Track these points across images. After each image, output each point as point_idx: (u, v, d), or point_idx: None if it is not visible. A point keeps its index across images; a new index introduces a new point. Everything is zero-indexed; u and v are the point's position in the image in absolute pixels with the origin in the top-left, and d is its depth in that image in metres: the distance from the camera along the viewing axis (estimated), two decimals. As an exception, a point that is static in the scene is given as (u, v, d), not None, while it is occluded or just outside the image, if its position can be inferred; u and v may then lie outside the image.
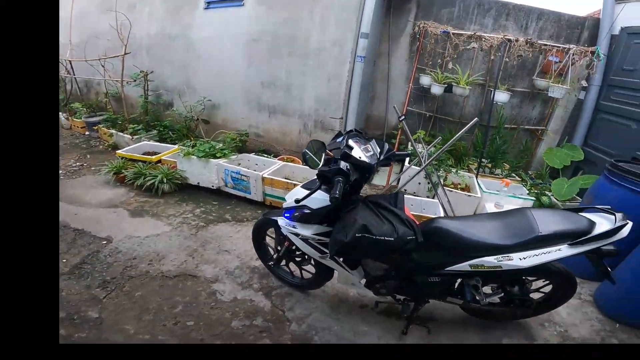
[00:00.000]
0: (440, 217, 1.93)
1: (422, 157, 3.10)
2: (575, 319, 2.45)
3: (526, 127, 4.41)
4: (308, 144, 1.80)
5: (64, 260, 2.64)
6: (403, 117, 2.97)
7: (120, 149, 4.26)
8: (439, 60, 4.25)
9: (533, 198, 3.43)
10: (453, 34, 4.07)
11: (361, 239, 1.59)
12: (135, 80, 4.75)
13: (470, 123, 2.84)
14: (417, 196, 3.56)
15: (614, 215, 1.61)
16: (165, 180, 3.68)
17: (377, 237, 1.59)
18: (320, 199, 1.74)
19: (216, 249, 2.99)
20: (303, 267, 2.44)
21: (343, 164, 1.58)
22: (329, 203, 1.62)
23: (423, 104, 4.66)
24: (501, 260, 1.65)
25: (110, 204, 3.60)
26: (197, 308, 2.32)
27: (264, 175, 3.50)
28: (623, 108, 3.54)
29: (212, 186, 3.79)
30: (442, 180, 3.47)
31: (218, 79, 4.73)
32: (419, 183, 3.73)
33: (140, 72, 4.75)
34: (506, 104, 4.08)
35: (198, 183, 3.86)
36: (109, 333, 2.03)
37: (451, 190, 3.38)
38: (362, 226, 1.59)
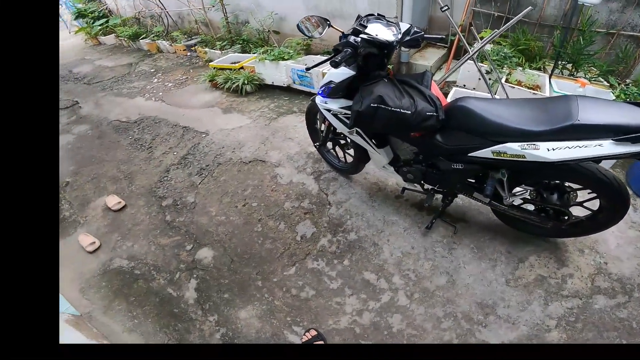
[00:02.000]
0: (468, 97, 1.68)
1: (472, 49, 2.77)
2: (624, 252, 2.02)
3: (630, 33, 3.28)
4: (304, 18, 1.89)
5: (175, 153, 3.41)
6: (446, 7, 2.58)
7: (212, 62, 4.94)
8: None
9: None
10: None
11: (377, 110, 1.64)
12: (214, 6, 5.32)
13: (524, 11, 2.55)
14: (476, 91, 3.26)
15: None
16: (247, 82, 4.24)
17: (394, 108, 1.61)
18: (341, 72, 1.83)
19: (283, 137, 3.36)
20: (347, 150, 2.58)
21: (352, 38, 1.63)
22: (348, 75, 1.79)
23: (492, 3, 3.78)
24: (525, 149, 1.44)
25: (208, 105, 4.26)
26: (262, 190, 2.78)
27: (322, 71, 3.67)
28: None
29: (284, 84, 4.17)
30: (504, 77, 3.12)
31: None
32: (479, 79, 3.29)
33: (216, -2, 5.28)
34: (602, 7, 3.16)
35: (272, 82, 4.29)
36: (199, 216, 2.65)
37: (514, 87, 3.01)
38: (377, 97, 1.63)
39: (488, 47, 3.13)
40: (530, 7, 2.62)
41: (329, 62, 1.61)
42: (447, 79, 3.26)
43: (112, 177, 3.26)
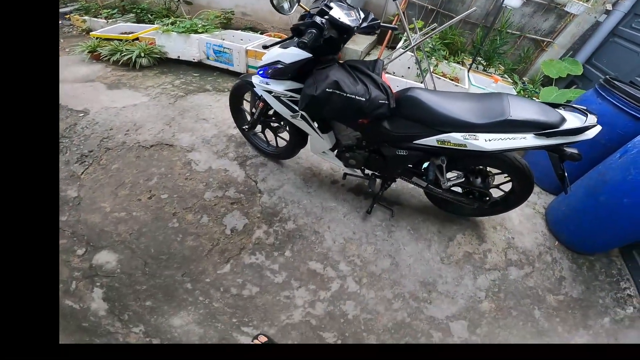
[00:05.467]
0: (417, 87, 1.74)
1: (413, 40, 2.91)
2: (524, 228, 2.42)
3: (533, 36, 4.09)
4: None
5: (42, 134, 2.62)
6: None
7: (94, 32, 4.09)
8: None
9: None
10: None
11: (331, 95, 1.58)
12: None
13: (468, 11, 2.81)
14: (405, 79, 3.48)
15: (587, 116, 1.52)
16: (143, 54, 3.59)
17: (349, 95, 1.57)
18: (294, 53, 1.67)
19: (194, 118, 2.91)
20: (279, 134, 2.38)
21: (319, 19, 1.53)
22: (302, 57, 1.64)
23: (426, -4, 4.19)
24: (467, 139, 1.58)
25: (87, 79, 3.42)
26: (172, 179, 2.32)
27: (247, 48, 3.38)
28: (640, 36, 3.19)
29: (193, 59, 3.72)
30: (432, 68, 3.41)
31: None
32: (409, 68, 3.63)
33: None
34: (517, 10, 3.75)
35: (178, 57, 3.78)
36: (87, 213, 2.06)
37: (439, 78, 3.27)
38: (333, 82, 1.57)
39: (420, 38, 3.30)
40: (475, 8, 2.91)
41: (296, 43, 1.50)
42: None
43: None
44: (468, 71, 3.48)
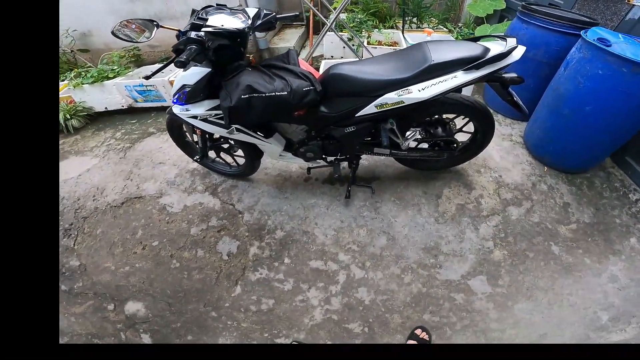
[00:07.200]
0: (337, 64, 1.75)
1: (329, 21, 2.92)
2: (508, 162, 2.44)
3: None
4: (119, 24, 1.54)
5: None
6: None
7: None
8: None
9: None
10: None
11: (250, 100, 1.54)
12: None
13: None
14: (344, 59, 3.50)
15: (506, 40, 1.59)
16: (69, 116, 3.33)
17: (268, 94, 1.54)
18: (194, 72, 1.64)
19: (150, 165, 2.80)
20: (234, 153, 2.33)
21: (193, 34, 1.46)
22: (204, 74, 1.61)
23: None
24: (401, 95, 1.61)
25: (27, 157, 3.24)
26: (156, 227, 2.27)
27: (170, 79, 3.21)
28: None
29: (122, 106, 3.48)
30: (365, 41, 3.45)
31: (73, 8, 3.89)
32: (344, 47, 3.58)
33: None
34: None
35: (106, 108, 3.51)
36: (97, 275, 2.06)
37: (375, 47, 3.30)
38: (246, 87, 1.52)
39: (343, 16, 3.31)
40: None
41: (173, 63, 1.42)
42: (314, 55, 3.32)
43: None
44: (402, 33, 3.52)
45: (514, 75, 1.59)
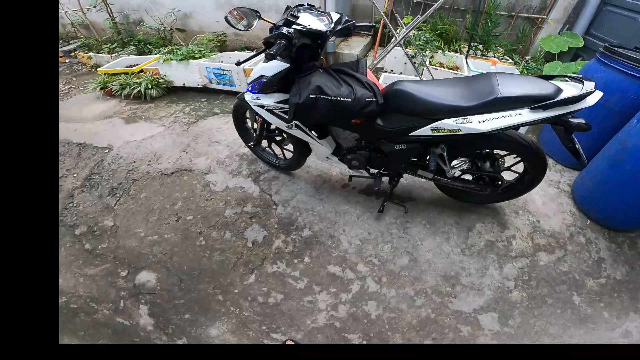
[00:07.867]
0: (402, 80, 1.76)
1: (399, 36, 2.96)
2: (550, 209, 2.33)
3: (525, 14, 4.01)
4: (231, 10, 1.77)
5: (75, 175, 2.84)
6: None
7: (101, 67, 4.30)
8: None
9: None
10: None
11: (317, 101, 1.61)
12: (95, 7, 4.61)
13: (439, 2, 2.84)
14: (403, 75, 3.52)
15: (583, 84, 1.47)
16: (150, 86, 3.75)
17: (333, 98, 1.60)
18: (274, 65, 1.72)
19: (207, 142, 3.05)
20: (284, 146, 2.46)
21: (285, 29, 1.58)
22: (282, 68, 1.68)
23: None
24: (460, 123, 1.56)
25: (105, 116, 3.65)
26: (195, 201, 2.46)
27: (244, 67, 3.45)
28: (631, 2, 3.12)
29: (198, 85, 3.85)
30: (428, 60, 3.41)
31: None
32: (405, 63, 3.64)
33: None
34: None
35: (184, 84, 3.92)
36: (124, 239, 2.26)
37: (437, 69, 3.26)
38: (316, 87, 1.60)
39: (411, 33, 3.32)
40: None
41: (263, 55, 1.55)
42: (377, 66, 3.37)
43: None
44: (466, 58, 3.46)
45: (581, 121, 1.45)
